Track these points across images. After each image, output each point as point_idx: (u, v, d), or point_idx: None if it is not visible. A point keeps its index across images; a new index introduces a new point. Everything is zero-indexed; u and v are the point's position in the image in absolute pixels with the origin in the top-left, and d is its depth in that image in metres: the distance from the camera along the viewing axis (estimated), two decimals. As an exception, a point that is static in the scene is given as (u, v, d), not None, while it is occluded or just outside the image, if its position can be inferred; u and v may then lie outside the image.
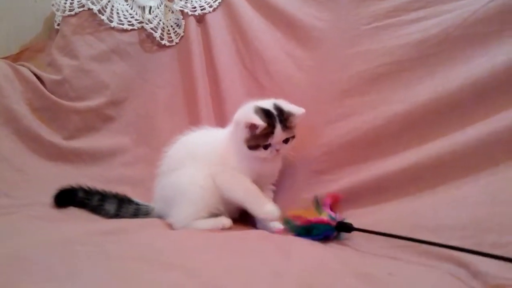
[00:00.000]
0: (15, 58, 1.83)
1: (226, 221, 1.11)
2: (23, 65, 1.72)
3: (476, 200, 0.90)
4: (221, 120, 1.58)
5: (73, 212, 1.17)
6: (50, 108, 1.60)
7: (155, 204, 1.21)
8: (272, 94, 1.48)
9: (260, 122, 1.07)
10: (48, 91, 1.62)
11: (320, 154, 1.25)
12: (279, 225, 1.16)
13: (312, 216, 1.06)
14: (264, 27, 1.62)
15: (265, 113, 1.10)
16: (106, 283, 0.65)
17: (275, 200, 1.24)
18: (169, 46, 1.79)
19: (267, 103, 1.14)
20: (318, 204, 1.10)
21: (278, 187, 1.27)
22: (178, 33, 1.79)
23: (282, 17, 1.57)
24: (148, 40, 1.79)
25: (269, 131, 1.09)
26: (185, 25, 1.78)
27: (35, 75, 1.67)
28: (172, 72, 1.74)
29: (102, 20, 1.73)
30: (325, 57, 1.40)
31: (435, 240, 0.84)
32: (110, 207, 1.19)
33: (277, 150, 1.12)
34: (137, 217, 1.20)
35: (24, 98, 1.59)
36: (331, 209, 1.09)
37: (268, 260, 0.80)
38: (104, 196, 1.21)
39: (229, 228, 1.10)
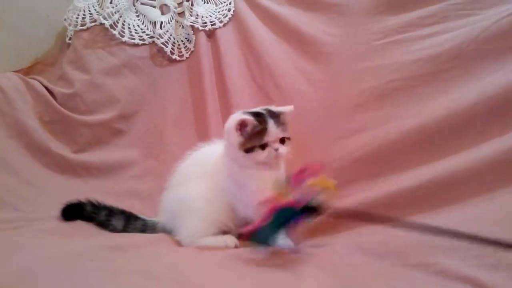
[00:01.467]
0: (27, 71, 1.85)
1: (230, 241, 1.07)
2: (34, 78, 1.73)
3: (492, 219, 0.88)
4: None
5: (82, 227, 1.16)
6: (60, 121, 1.61)
7: (160, 218, 1.20)
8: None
9: (249, 117, 1.05)
10: (58, 104, 1.63)
11: (330, 170, 1.22)
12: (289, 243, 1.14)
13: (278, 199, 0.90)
14: (274, 42, 1.62)
15: (255, 114, 1.07)
16: None
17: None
18: (179, 61, 1.79)
19: (256, 109, 1.12)
20: (281, 187, 0.97)
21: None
22: (188, 48, 1.80)
23: (293, 32, 1.58)
24: (159, 54, 1.80)
25: (262, 128, 1.04)
26: (195, 40, 1.78)
27: (46, 88, 1.68)
28: (182, 86, 1.74)
29: (114, 34, 1.75)
30: (335, 72, 1.40)
31: (451, 260, 0.81)
32: (118, 222, 1.18)
33: (276, 150, 1.05)
34: (145, 232, 1.19)
35: (34, 111, 1.60)
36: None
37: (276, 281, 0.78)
38: (111, 212, 1.20)
39: (235, 247, 1.07)
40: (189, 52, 1.79)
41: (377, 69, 1.28)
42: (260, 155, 1.05)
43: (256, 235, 0.88)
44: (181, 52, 1.80)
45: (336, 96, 1.35)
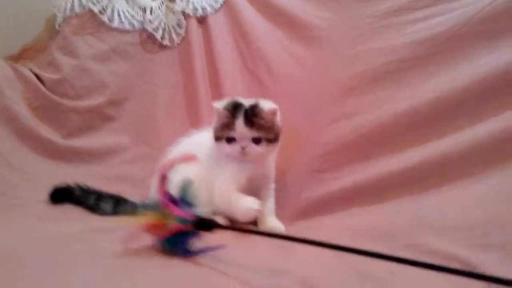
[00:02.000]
0: (16, 58, 1.82)
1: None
2: (23, 65, 1.71)
3: (484, 200, 0.87)
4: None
5: (70, 210, 1.14)
6: (49, 107, 1.59)
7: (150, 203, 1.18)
8: (274, 94, 1.48)
9: (219, 105, 1.05)
10: (47, 90, 1.60)
11: (322, 153, 1.22)
12: (280, 226, 1.14)
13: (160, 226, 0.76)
14: (266, 27, 1.61)
15: (234, 105, 1.07)
16: (98, 280, 0.62)
17: (276, 200, 1.22)
18: (170, 47, 1.77)
19: (249, 100, 1.10)
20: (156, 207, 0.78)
21: (277, 188, 1.24)
22: (179, 34, 1.78)
23: (284, 17, 1.57)
24: (149, 40, 1.77)
25: (230, 121, 1.04)
26: (186, 26, 1.76)
27: (35, 75, 1.66)
28: (173, 72, 1.72)
29: (103, 20, 1.72)
30: (328, 56, 1.39)
31: (439, 241, 0.81)
32: (107, 206, 1.17)
33: (243, 149, 1.04)
34: None
35: (23, 98, 1.59)
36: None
37: (266, 260, 0.77)
38: (100, 196, 1.19)
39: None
40: (180, 38, 1.77)
41: (369, 53, 1.27)
42: (225, 147, 1.06)
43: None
44: (172, 38, 1.77)
45: (329, 80, 1.34)
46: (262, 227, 1.15)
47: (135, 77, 1.71)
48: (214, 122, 1.10)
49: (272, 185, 1.22)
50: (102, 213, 1.16)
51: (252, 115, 1.05)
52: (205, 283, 0.65)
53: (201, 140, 1.19)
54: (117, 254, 0.74)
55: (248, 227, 0.84)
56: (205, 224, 0.77)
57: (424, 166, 1.03)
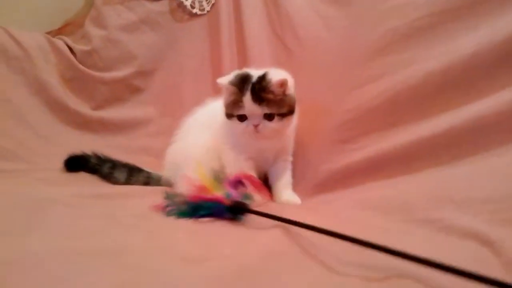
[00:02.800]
0: (57, 32, 1.86)
1: None
2: (60, 38, 1.74)
3: (520, 170, 0.74)
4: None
5: (83, 177, 1.15)
6: (79, 78, 1.61)
7: (165, 172, 1.15)
8: (300, 60, 1.38)
9: (224, 80, 0.97)
10: (78, 62, 1.62)
11: (344, 121, 1.11)
12: (296, 199, 1.06)
13: (208, 190, 0.83)
14: (298, -12, 1.50)
15: (241, 78, 0.97)
16: (61, 237, 0.60)
17: (294, 173, 1.14)
18: (200, 15, 1.72)
19: (259, 71, 1.00)
20: (218, 178, 0.87)
21: (296, 159, 1.16)
22: (209, 1, 1.72)
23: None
24: (179, 9, 1.73)
25: (238, 97, 0.95)
26: (217, -8, 1.69)
27: (69, 47, 1.68)
28: (201, 41, 1.68)
29: (133, -11, 1.70)
30: (358, 15, 1.26)
31: (459, 215, 0.69)
32: (120, 175, 1.16)
33: (256, 126, 0.95)
34: (149, 185, 1.15)
35: (57, 69, 1.62)
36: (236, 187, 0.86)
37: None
38: (114, 164, 1.18)
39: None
40: (210, 5, 1.71)
41: (402, 7, 1.12)
42: (237, 126, 0.98)
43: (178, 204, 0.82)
44: (202, 5, 1.72)
45: (357, 42, 1.21)
46: (277, 200, 1.08)
47: (164, 47, 1.68)
48: (224, 98, 1.02)
49: (290, 158, 1.14)
50: (115, 181, 1.15)
51: (260, 90, 0.94)
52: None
53: (215, 109, 1.12)
54: (97, 217, 0.71)
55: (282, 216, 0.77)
56: (239, 208, 0.79)
57: (456, 132, 0.89)
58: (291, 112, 1.01)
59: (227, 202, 0.79)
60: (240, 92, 0.95)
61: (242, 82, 0.97)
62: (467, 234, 0.64)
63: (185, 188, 0.85)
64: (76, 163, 1.19)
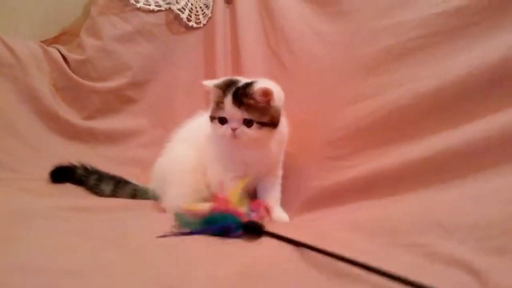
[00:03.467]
0: (53, 41, 1.85)
1: None
2: (55, 47, 1.73)
3: (508, 196, 0.72)
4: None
5: (69, 189, 1.12)
6: (72, 88, 1.59)
7: (152, 185, 1.13)
8: (294, 75, 1.38)
9: (209, 83, 0.98)
10: (71, 71, 1.61)
11: (336, 138, 1.10)
12: (284, 216, 1.04)
13: (231, 204, 0.85)
14: (293, 4, 1.51)
15: (227, 83, 0.98)
16: (30, 253, 0.58)
17: (283, 188, 1.12)
18: (196, 28, 1.71)
19: (247, 79, 1.01)
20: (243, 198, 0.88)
21: (286, 175, 1.14)
22: (206, 15, 1.72)
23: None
24: (175, 22, 1.73)
25: (221, 100, 0.96)
26: (213, 6, 1.69)
27: (63, 56, 1.67)
28: (196, 54, 1.68)
29: (129, 0, 1.69)
30: (352, 32, 1.26)
31: (447, 242, 0.67)
32: (106, 187, 1.14)
33: (233, 130, 0.94)
34: (135, 198, 1.14)
35: (49, 78, 1.60)
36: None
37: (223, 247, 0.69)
38: (101, 176, 1.16)
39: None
40: (206, 19, 1.71)
41: (396, 27, 1.12)
42: (217, 128, 0.98)
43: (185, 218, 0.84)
44: (198, 18, 1.72)
45: (351, 59, 1.21)
46: (265, 217, 1.06)
47: (159, 59, 1.68)
48: (211, 100, 1.02)
49: (279, 172, 1.12)
50: (101, 193, 1.13)
51: (241, 95, 0.94)
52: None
53: (201, 123, 1.11)
54: (73, 232, 0.69)
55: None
56: (255, 228, 0.80)
57: (446, 155, 0.88)
58: (273, 123, 0.99)
59: (245, 219, 0.81)
60: (223, 94, 0.96)
61: (227, 85, 0.97)
62: (452, 261, 0.62)
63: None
64: (62, 174, 1.16)
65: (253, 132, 0.95)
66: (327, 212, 1.01)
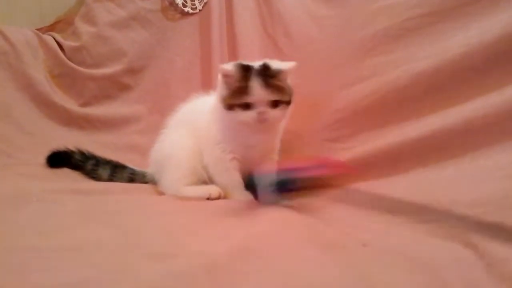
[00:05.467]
0: (48, 29, 1.83)
1: (213, 191, 0.98)
2: (50, 35, 1.72)
3: (505, 173, 0.72)
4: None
5: (67, 174, 1.12)
6: (68, 74, 1.58)
7: (150, 169, 1.13)
8: (291, 59, 1.35)
9: (230, 67, 0.91)
10: (67, 58, 1.60)
11: (333, 121, 1.10)
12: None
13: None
14: (290, -12, 1.49)
15: (243, 67, 0.92)
16: (27, 234, 0.58)
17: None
18: (192, 14, 1.70)
19: (254, 62, 0.96)
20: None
21: (284, 158, 1.13)
22: (202, 0, 1.70)
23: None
24: (170, 7, 1.71)
25: (244, 84, 0.89)
26: (210, -10, 1.68)
27: (58, 43, 1.66)
28: (193, 40, 1.65)
29: (124, -14, 1.68)
30: (349, 15, 1.25)
31: (445, 219, 0.68)
32: (103, 172, 1.14)
33: (262, 114, 0.89)
34: (133, 182, 1.13)
35: (45, 65, 1.59)
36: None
37: (220, 225, 0.70)
38: (98, 161, 1.16)
39: (217, 198, 0.97)
40: (202, 4, 1.69)
41: (392, 8, 1.11)
42: (240, 115, 0.91)
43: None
44: (194, 4, 1.70)
45: (347, 42, 1.20)
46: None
47: (155, 45, 1.66)
48: (223, 88, 0.95)
49: (276, 157, 1.11)
50: (98, 178, 1.13)
51: (269, 75, 0.90)
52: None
53: (197, 106, 1.10)
54: (68, 213, 0.69)
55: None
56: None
57: (443, 133, 0.88)
58: (290, 102, 0.96)
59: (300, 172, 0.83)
60: (245, 79, 0.90)
61: (245, 69, 0.92)
62: (450, 237, 0.62)
63: None
64: (59, 159, 1.16)
65: (279, 113, 0.92)
66: (325, 193, 1.01)
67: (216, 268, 0.49)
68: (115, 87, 1.60)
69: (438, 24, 1.01)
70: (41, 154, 1.24)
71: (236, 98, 0.90)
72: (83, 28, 1.65)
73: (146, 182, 1.13)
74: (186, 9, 1.69)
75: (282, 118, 0.97)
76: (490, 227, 0.62)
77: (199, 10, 1.70)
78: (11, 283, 0.43)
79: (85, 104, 1.56)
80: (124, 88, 1.61)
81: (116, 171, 1.14)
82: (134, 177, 1.14)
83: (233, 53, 1.54)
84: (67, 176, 1.08)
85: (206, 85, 1.52)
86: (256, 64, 0.95)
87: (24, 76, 1.49)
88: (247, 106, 0.90)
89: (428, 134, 0.90)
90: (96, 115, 1.54)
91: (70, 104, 1.53)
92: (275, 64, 0.95)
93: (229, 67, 0.93)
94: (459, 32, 0.95)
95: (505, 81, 0.83)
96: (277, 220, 0.73)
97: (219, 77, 0.96)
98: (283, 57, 1.37)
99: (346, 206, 0.92)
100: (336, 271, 0.53)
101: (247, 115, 0.90)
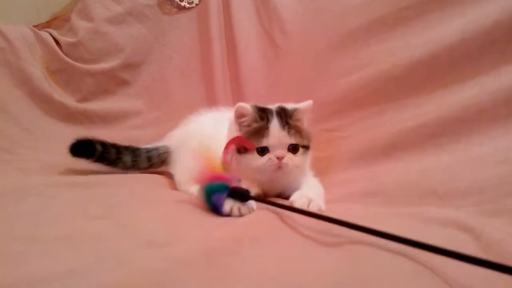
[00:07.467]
0: (44, 26, 1.83)
1: None
2: (46, 31, 1.71)
3: (500, 159, 0.72)
4: (235, 84, 1.50)
5: (66, 168, 1.08)
6: (65, 70, 1.57)
7: (169, 142, 1.13)
8: (287, 54, 1.37)
9: (248, 107, 0.83)
10: (64, 54, 1.59)
11: (332, 111, 1.11)
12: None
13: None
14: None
15: (260, 109, 0.85)
16: (22, 224, 0.58)
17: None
18: (189, 8, 1.69)
19: (269, 105, 0.89)
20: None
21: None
22: (198, -5, 1.69)
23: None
24: (167, 2, 1.70)
25: (262, 125, 0.82)
26: (206, -15, 1.67)
27: (55, 39, 1.66)
28: (191, 35, 1.65)
29: (120, -19, 1.67)
30: (346, 4, 1.24)
31: (442, 208, 0.68)
32: (127, 158, 1.11)
33: (280, 159, 0.80)
34: (152, 163, 1.13)
35: (42, 62, 1.58)
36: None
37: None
38: (119, 149, 1.12)
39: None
40: (198, -1, 1.69)
41: (389, -4, 1.11)
42: (255, 160, 0.82)
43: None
44: (190, -1, 1.69)
45: (344, 32, 1.20)
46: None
47: (152, 40, 1.65)
48: (236, 130, 0.86)
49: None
50: (124, 167, 1.11)
51: (287, 116, 0.84)
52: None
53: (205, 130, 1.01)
54: (62, 205, 0.69)
55: (282, 202, 0.73)
56: (241, 194, 0.71)
57: (439, 121, 0.89)
58: (309, 146, 0.88)
59: (233, 184, 0.72)
60: (262, 120, 0.83)
61: (262, 110, 0.85)
62: (448, 223, 0.62)
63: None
64: (82, 148, 1.06)
65: (299, 159, 0.84)
66: (324, 183, 1.01)
67: (215, 252, 0.49)
68: (113, 82, 1.60)
69: (434, 12, 1.01)
70: (38, 150, 1.25)
71: (253, 140, 0.83)
72: (80, 24, 1.65)
73: (162, 161, 1.13)
74: (183, 4, 1.69)
75: (302, 164, 0.87)
76: (486, 215, 0.62)
77: (196, 4, 1.69)
78: (6, 271, 0.43)
79: (83, 100, 1.56)
80: (122, 83, 1.61)
81: (136, 155, 1.12)
82: (150, 155, 1.13)
83: (231, 48, 1.54)
84: (67, 171, 1.07)
85: (208, 82, 1.53)
86: (271, 106, 0.89)
87: (21, 72, 1.48)
88: (263, 150, 0.83)
89: (423, 122, 0.91)
90: (94, 110, 1.53)
91: (68, 99, 1.52)
92: (290, 105, 0.89)
93: (247, 106, 0.85)
94: (455, 19, 0.96)
95: (500, 67, 0.83)
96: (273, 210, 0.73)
97: (231, 117, 0.87)
98: (280, 53, 1.39)
99: (342, 195, 0.92)
100: (335, 255, 0.53)
101: (263, 161, 0.82)
